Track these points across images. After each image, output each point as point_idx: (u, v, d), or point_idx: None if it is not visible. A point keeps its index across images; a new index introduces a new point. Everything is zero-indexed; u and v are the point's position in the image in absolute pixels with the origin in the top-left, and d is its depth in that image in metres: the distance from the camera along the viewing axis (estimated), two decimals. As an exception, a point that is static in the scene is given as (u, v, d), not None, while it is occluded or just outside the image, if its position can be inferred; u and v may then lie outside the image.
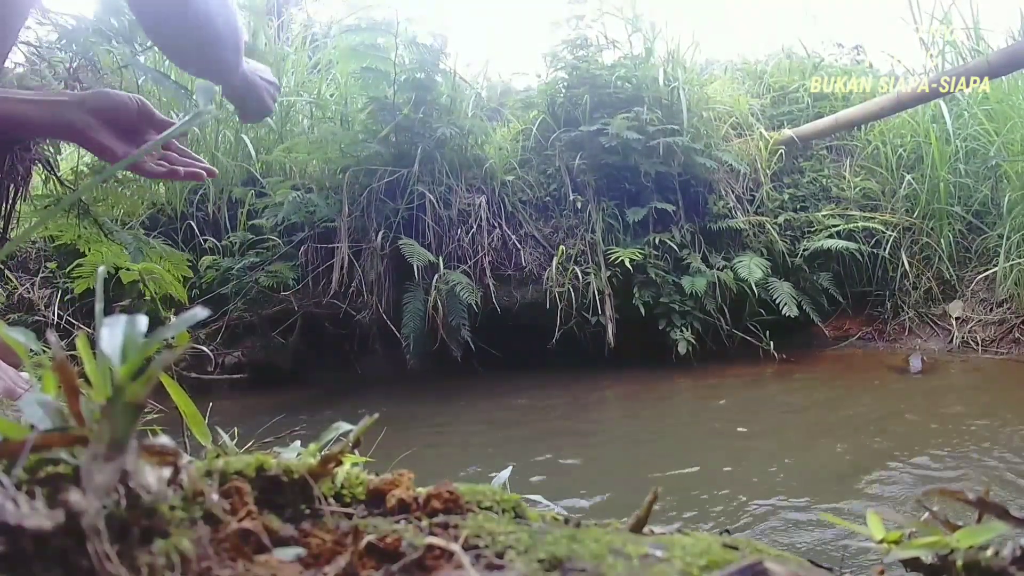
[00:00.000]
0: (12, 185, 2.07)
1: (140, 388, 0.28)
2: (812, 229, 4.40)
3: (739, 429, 2.59)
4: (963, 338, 3.89)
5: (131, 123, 1.06)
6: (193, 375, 3.16)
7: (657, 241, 3.98)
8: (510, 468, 0.83)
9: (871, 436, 2.32)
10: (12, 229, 2.01)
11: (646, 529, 0.41)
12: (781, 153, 4.58)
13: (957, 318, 4.01)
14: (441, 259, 3.70)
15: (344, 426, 0.47)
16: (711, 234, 4.22)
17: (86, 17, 2.18)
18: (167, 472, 0.30)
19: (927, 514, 0.41)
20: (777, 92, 5.11)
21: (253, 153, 4.01)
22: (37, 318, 3.37)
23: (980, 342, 3.81)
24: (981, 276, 4.02)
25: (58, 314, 3.42)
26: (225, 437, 0.59)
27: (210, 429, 0.47)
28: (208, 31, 1.09)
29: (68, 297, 3.53)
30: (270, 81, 1.34)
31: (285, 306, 3.70)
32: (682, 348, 3.73)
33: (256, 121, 1.46)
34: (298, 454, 0.49)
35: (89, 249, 2.53)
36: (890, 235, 4.29)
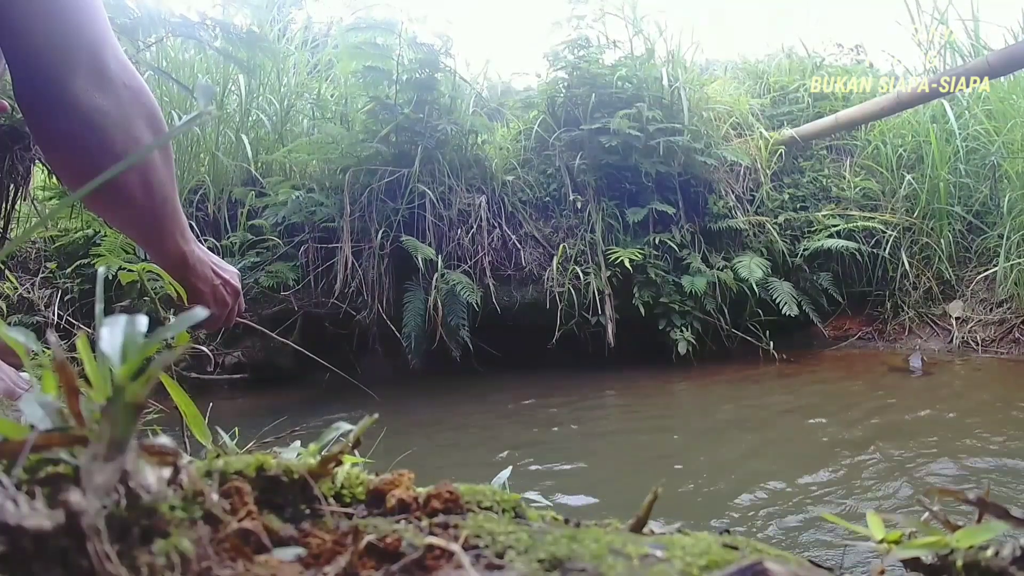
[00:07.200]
0: (12, 185, 2.07)
1: (140, 388, 0.28)
2: (812, 229, 4.40)
3: (739, 429, 2.59)
4: (963, 338, 3.89)
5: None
6: (193, 375, 3.16)
7: (657, 241, 3.98)
8: (510, 468, 0.83)
9: (871, 436, 2.31)
10: (12, 229, 2.01)
11: (646, 529, 0.41)
12: (781, 153, 4.58)
13: (957, 318, 4.01)
14: (441, 259, 3.69)
15: (344, 426, 0.47)
16: (711, 234, 4.22)
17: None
18: (167, 472, 0.30)
19: (927, 514, 0.41)
20: (777, 92, 5.12)
21: (251, 154, 4.00)
22: (37, 318, 3.37)
23: (980, 342, 3.81)
24: (981, 276, 4.02)
25: (58, 314, 3.42)
26: (225, 437, 0.59)
27: (210, 429, 0.47)
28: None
29: (68, 297, 3.53)
30: (228, 274, 1.10)
31: (285, 306, 3.70)
32: (682, 348, 3.73)
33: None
34: (298, 454, 0.49)
35: (104, 232, 2.53)
36: (890, 235, 4.29)
